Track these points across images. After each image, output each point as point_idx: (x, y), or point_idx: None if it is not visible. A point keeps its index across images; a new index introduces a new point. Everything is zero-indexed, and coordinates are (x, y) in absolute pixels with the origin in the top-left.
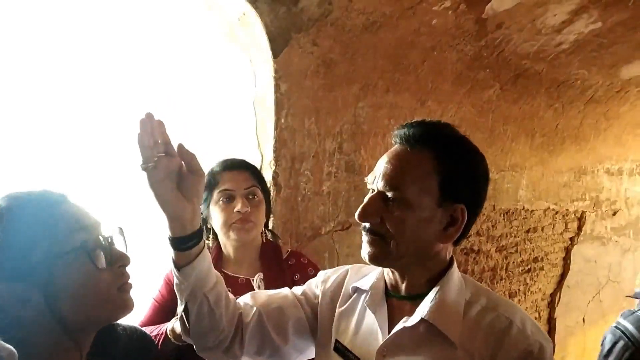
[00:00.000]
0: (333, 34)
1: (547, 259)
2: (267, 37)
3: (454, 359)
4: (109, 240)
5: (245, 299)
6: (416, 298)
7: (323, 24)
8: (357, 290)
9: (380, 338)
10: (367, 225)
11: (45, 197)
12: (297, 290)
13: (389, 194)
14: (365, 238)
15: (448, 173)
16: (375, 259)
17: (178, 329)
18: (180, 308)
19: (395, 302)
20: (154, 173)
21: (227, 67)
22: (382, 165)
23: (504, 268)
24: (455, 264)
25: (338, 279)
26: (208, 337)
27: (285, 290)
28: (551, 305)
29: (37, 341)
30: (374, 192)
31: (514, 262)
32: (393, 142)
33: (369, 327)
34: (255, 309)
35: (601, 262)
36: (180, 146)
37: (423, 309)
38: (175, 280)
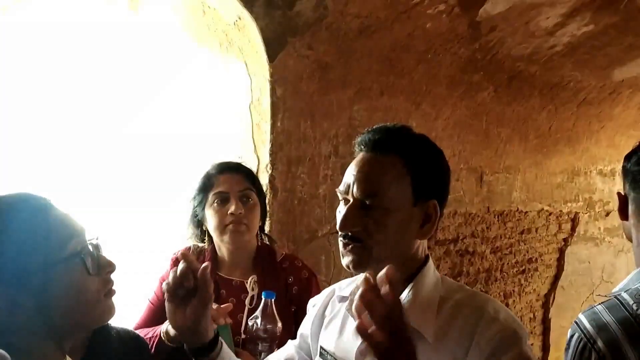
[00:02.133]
0: (328, 38)
1: (542, 260)
2: (263, 41)
3: (429, 354)
4: (97, 247)
5: None
6: None
7: (318, 28)
8: (341, 298)
9: (360, 340)
10: (349, 233)
11: (35, 201)
12: (299, 335)
13: (367, 201)
14: (343, 247)
15: (418, 173)
16: (357, 266)
17: (172, 331)
18: None
19: None
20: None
21: (222, 71)
22: (353, 174)
23: (499, 269)
24: (430, 261)
25: (325, 298)
26: None
27: (288, 343)
28: (545, 306)
29: (24, 346)
30: (351, 202)
31: (508, 263)
32: (357, 150)
33: (350, 330)
34: None
35: (595, 262)
36: (204, 271)
37: None
38: None
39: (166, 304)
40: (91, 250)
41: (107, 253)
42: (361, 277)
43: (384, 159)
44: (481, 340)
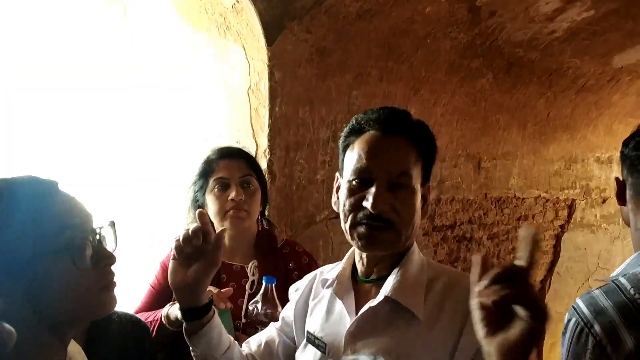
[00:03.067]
0: (327, 22)
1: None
2: (261, 25)
3: (420, 334)
4: (98, 237)
5: (244, 349)
6: (381, 280)
7: (317, 11)
8: (325, 282)
9: (348, 322)
10: (380, 215)
11: (35, 187)
12: (281, 318)
13: (400, 180)
14: (372, 230)
15: (426, 156)
16: (387, 249)
17: (173, 315)
18: None
19: (362, 287)
20: (176, 259)
21: (220, 56)
22: (373, 152)
23: (496, 255)
24: (415, 244)
25: (308, 283)
26: None
27: (270, 327)
28: (541, 292)
29: (20, 336)
30: (376, 181)
31: (505, 250)
32: (367, 127)
33: (337, 313)
34: (251, 357)
35: (591, 249)
36: (219, 236)
37: (387, 287)
38: (190, 345)
39: (170, 260)
40: (92, 240)
41: (113, 242)
42: (344, 259)
43: (399, 140)
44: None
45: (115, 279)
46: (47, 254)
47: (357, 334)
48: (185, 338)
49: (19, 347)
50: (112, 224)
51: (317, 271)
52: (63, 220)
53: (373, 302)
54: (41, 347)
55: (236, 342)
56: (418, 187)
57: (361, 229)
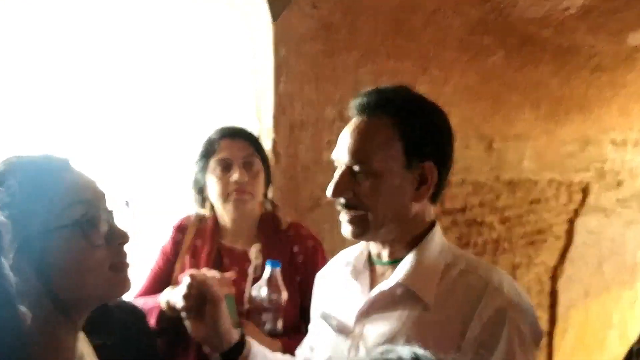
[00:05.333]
0: None
1: (551, 231)
2: None
3: (426, 319)
4: (111, 215)
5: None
6: (396, 262)
7: None
8: (346, 264)
9: (361, 303)
10: (342, 200)
11: (47, 163)
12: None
13: (356, 167)
14: (343, 217)
15: (409, 134)
16: (356, 235)
17: (173, 301)
18: None
19: (377, 269)
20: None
21: (224, 33)
22: (344, 139)
23: (507, 240)
24: (437, 226)
25: (331, 268)
26: None
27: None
28: (554, 278)
29: (33, 314)
30: (342, 168)
31: (517, 234)
32: (350, 115)
33: (352, 294)
34: None
35: (605, 234)
36: (197, 282)
37: (400, 272)
38: None
39: (186, 322)
40: (103, 218)
41: (127, 222)
42: (364, 242)
43: (373, 121)
44: (483, 312)
45: (128, 260)
46: (57, 228)
47: (366, 315)
48: None
49: (31, 328)
50: (127, 204)
51: (342, 253)
52: (74, 196)
53: (384, 286)
54: (53, 329)
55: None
56: (391, 169)
57: (340, 214)
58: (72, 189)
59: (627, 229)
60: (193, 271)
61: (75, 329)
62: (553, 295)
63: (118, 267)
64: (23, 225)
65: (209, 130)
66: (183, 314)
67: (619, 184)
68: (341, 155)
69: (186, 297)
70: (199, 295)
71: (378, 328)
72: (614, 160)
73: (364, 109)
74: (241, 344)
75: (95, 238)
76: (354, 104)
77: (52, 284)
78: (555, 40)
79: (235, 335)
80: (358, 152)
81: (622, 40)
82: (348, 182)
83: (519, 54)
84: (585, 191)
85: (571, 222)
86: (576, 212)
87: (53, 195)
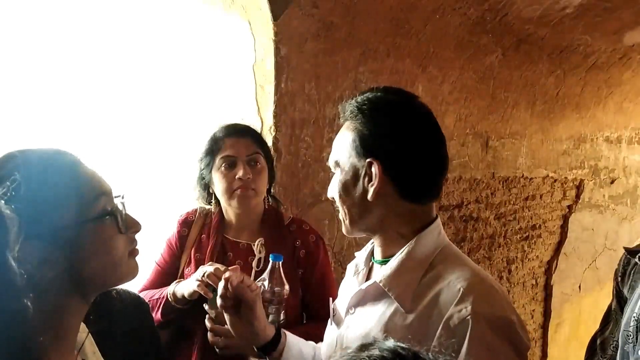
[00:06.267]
0: None
1: (545, 226)
2: None
3: (399, 320)
4: (123, 205)
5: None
6: (387, 261)
7: None
8: (353, 261)
9: (352, 293)
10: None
11: (67, 156)
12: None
13: (333, 171)
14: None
15: (361, 132)
16: (347, 233)
17: (179, 293)
18: None
19: (374, 267)
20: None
21: (225, 32)
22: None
23: (502, 235)
24: (436, 224)
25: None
26: None
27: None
28: (548, 273)
29: (51, 300)
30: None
31: (512, 230)
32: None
33: (349, 289)
34: None
35: (598, 230)
36: (234, 285)
37: (382, 272)
38: None
39: (228, 319)
40: (120, 208)
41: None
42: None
43: (344, 126)
44: (448, 322)
45: (137, 247)
46: (89, 219)
47: (352, 309)
48: None
49: (52, 312)
50: (123, 197)
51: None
52: (98, 188)
53: (364, 285)
54: (70, 311)
55: (315, 345)
56: (347, 164)
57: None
58: (94, 181)
59: (620, 225)
60: (229, 273)
61: (84, 312)
62: (547, 289)
63: (133, 253)
64: (55, 218)
65: (212, 128)
66: (225, 313)
67: (612, 181)
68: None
69: (223, 297)
70: (235, 297)
71: (358, 322)
72: (608, 158)
73: (342, 116)
74: (277, 338)
75: (121, 227)
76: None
77: (81, 272)
78: (551, 40)
79: (271, 331)
80: (333, 157)
81: (618, 39)
82: (332, 184)
83: (516, 53)
84: (579, 188)
85: (565, 218)
86: (570, 209)
87: (80, 187)
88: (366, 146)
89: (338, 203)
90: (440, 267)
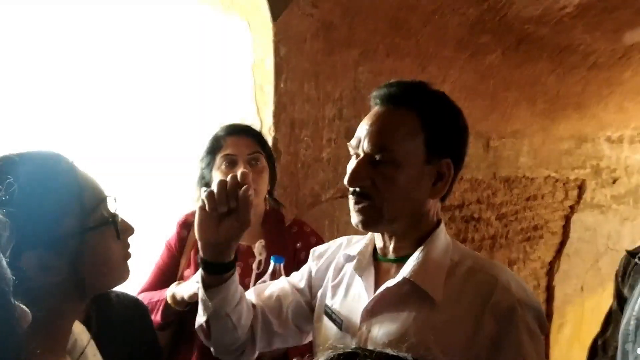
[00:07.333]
0: None
1: (547, 227)
2: None
3: (435, 318)
4: (117, 211)
5: (249, 297)
6: (402, 260)
7: None
8: (347, 257)
9: (366, 300)
10: (357, 189)
11: (64, 161)
12: (293, 277)
13: (377, 156)
14: (353, 206)
15: (432, 129)
16: (367, 225)
17: (178, 295)
18: (202, 319)
19: (382, 266)
20: (205, 211)
21: (224, 32)
22: (366, 127)
23: (504, 236)
24: (442, 225)
25: (331, 251)
26: (227, 346)
27: (282, 281)
28: (550, 274)
29: (53, 306)
30: (361, 156)
31: (513, 230)
32: (373, 104)
33: (356, 290)
34: (258, 308)
35: (600, 230)
36: (244, 193)
37: (406, 269)
38: (201, 295)
39: (199, 212)
40: (114, 213)
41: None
42: (368, 236)
43: (398, 112)
44: (494, 310)
45: (129, 251)
46: (91, 227)
47: (373, 313)
48: (200, 289)
49: (54, 318)
50: (115, 200)
51: (344, 239)
52: (97, 195)
53: (391, 283)
54: (65, 314)
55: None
56: (412, 161)
57: (350, 202)
58: (92, 187)
59: (623, 225)
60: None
61: (78, 312)
62: (549, 290)
63: (127, 257)
64: (58, 224)
65: (212, 128)
66: (207, 205)
67: (614, 181)
68: (361, 143)
69: (220, 197)
70: (232, 194)
71: (385, 327)
72: (610, 158)
73: (388, 100)
74: (232, 264)
75: (119, 232)
76: (377, 93)
77: (84, 277)
78: (552, 39)
79: (231, 256)
80: (381, 140)
81: (618, 38)
82: (366, 171)
83: (516, 53)
84: (581, 188)
85: (567, 219)
86: (572, 209)
87: (81, 193)
88: (441, 146)
89: (372, 194)
90: (458, 260)
